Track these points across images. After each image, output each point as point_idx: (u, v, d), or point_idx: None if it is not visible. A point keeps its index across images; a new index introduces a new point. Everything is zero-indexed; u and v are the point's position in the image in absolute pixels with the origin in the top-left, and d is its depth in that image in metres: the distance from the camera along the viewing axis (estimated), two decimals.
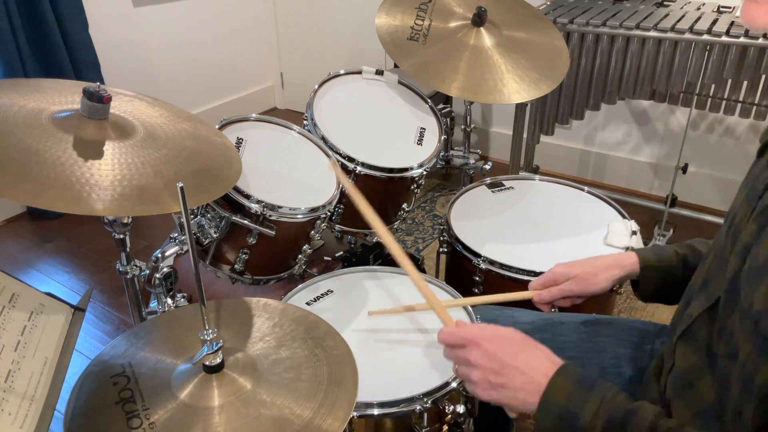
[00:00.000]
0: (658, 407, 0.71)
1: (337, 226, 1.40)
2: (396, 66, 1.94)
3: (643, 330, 1.05)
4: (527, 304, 1.19)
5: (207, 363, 0.76)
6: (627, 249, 1.32)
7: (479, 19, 1.50)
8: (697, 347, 0.76)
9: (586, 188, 1.55)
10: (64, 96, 1.00)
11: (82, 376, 0.80)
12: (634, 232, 1.36)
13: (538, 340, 1.08)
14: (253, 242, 1.17)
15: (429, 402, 0.94)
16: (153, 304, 1.20)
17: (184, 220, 0.72)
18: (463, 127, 1.79)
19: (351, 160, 1.32)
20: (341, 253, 1.49)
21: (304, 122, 1.38)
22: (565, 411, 0.71)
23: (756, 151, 0.82)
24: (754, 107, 1.97)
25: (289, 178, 1.26)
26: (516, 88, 1.45)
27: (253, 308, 0.92)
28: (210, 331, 0.75)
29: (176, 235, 1.19)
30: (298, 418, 0.72)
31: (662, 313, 1.98)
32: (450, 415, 0.99)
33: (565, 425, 0.71)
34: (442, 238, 1.43)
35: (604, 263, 1.05)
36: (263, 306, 0.92)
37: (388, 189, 1.40)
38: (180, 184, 0.67)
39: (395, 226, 1.49)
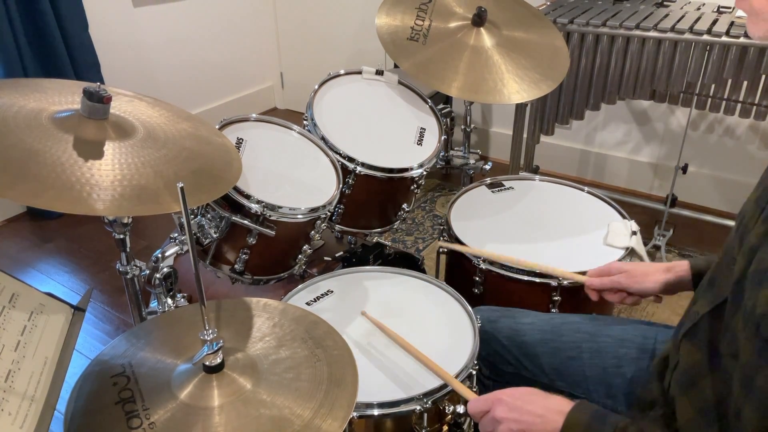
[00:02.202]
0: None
1: (337, 226, 1.40)
2: (396, 66, 1.94)
3: (644, 330, 1.05)
4: (527, 303, 1.19)
5: (207, 363, 0.76)
6: (627, 249, 1.32)
7: (479, 19, 1.50)
8: (702, 345, 0.76)
9: (586, 188, 1.55)
10: (64, 96, 1.00)
11: (82, 376, 0.80)
12: (634, 232, 1.36)
13: (540, 341, 1.08)
14: (253, 242, 1.17)
15: (429, 402, 0.94)
16: (153, 304, 1.20)
17: (184, 220, 0.72)
18: (463, 127, 1.79)
19: (351, 160, 1.32)
20: (341, 253, 1.49)
21: (304, 122, 1.38)
22: None
23: (758, 151, 0.82)
24: (754, 107, 1.97)
25: (289, 178, 1.26)
26: (516, 88, 1.45)
27: (253, 308, 0.92)
28: (210, 331, 0.75)
29: (176, 235, 1.19)
30: (298, 418, 0.72)
31: (662, 313, 1.98)
32: (450, 416, 0.99)
33: None
34: (442, 238, 1.43)
35: (658, 266, 1.06)
36: (263, 306, 0.92)
37: (388, 189, 1.40)
38: (180, 184, 0.67)
39: (395, 226, 1.49)
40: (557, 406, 0.81)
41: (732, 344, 0.69)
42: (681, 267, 1.04)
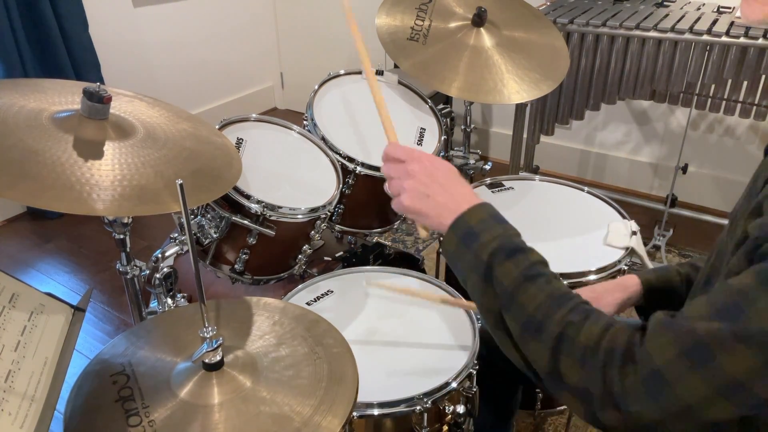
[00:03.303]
0: (543, 257, 0.76)
1: (337, 226, 1.40)
2: (396, 66, 1.94)
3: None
4: None
5: (206, 361, 0.76)
6: (627, 249, 1.32)
7: (479, 19, 1.50)
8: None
9: (586, 188, 1.55)
10: (64, 96, 1.00)
11: (81, 375, 0.80)
12: (634, 232, 1.36)
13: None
14: (253, 242, 1.17)
15: (429, 402, 0.94)
16: (153, 304, 1.20)
17: (184, 219, 0.72)
18: (463, 127, 1.79)
19: (351, 160, 1.32)
20: (341, 253, 1.49)
21: (304, 122, 1.38)
22: (471, 231, 0.78)
23: (758, 151, 0.82)
24: (754, 107, 1.97)
25: (289, 178, 1.26)
26: (516, 89, 1.45)
27: (253, 307, 0.92)
28: (209, 328, 0.75)
29: (176, 235, 1.19)
30: (298, 415, 0.72)
31: None
32: (450, 416, 0.99)
33: (465, 243, 0.77)
34: (442, 238, 1.43)
35: (605, 287, 1.04)
36: (263, 305, 0.93)
37: None
38: (179, 181, 0.67)
39: (395, 226, 1.49)
40: (468, 196, 0.81)
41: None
42: (631, 283, 1.03)
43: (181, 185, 0.67)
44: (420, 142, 1.46)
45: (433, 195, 0.82)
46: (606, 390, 0.63)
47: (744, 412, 0.60)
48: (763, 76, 1.84)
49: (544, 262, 0.76)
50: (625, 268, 1.31)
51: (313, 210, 1.19)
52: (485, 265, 0.75)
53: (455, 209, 0.80)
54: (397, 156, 0.86)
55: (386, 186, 0.88)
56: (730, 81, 1.93)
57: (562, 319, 0.68)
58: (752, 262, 0.62)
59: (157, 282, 1.13)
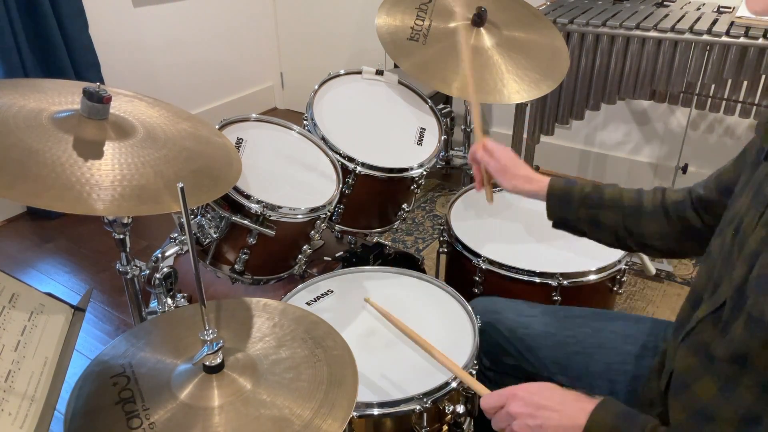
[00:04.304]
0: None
1: (337, 226, 1.40)
2: (396, 66, 1.94)
3: (648, 326, 1.05)
4: (531, 296, 1.19)
5: (207, 363, 0.76)
6: None
7: (479, 19, 1.50)
8: (697, 349, 0.76)
9: None
10: (64, 96, 1.00)
11: (82, 377, 0.80)
12: None
13: (543, 334, 1.07)
14: (253, 242, 1.17)
15: (429, 402, 0.94)
16: (153, 304, 1.20)
17: (184, 220, 0.72)
18: (463, 127, 1.79)
19: (351, 160, 1.32)
20: (341, 253, 1.49)
21: (304, 122, 1.38)
22: None
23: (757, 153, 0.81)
24: (754, 107, 1.97)
25: (289, 178, 1.26)
26: (516, 88, 1.45)
27: (253, 308, 0.92)
28: (210, 331, 0.75)
29: (176, 235, 1.19)
30: (298, 418, 0.72)
31: (662, 313, 1.98)
32: (450, 415, 0.99)
33: None
34: (442, 238, 1.43)
35: (525, 173, 1.11)
36: (263, 306, 0.92)
37: (388, 189, 1.40)
38: (180, 185, 0.67)
39: (395, 226, 1.49)
40: (576, 401, 0.78)
41: (729, 349, 0.69)
42: (541, 182, 1.08)
43: (182, 188, 0.67)
44: (420, 141, 1.46)
45: (543, 422, 0.78)
46: None
47: None
48: (763, 76, 1.84)
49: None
50: (625, 268, 1.32)
51: (313, 210, 1.19)
52: None
53: (575, 424, 0.75)
54: (495, 405, 0.84)
55: None
56: (730, 81, 1.93)
57: None
58: None
59: (157, 282, 1.13)
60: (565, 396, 0.80)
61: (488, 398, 0.85)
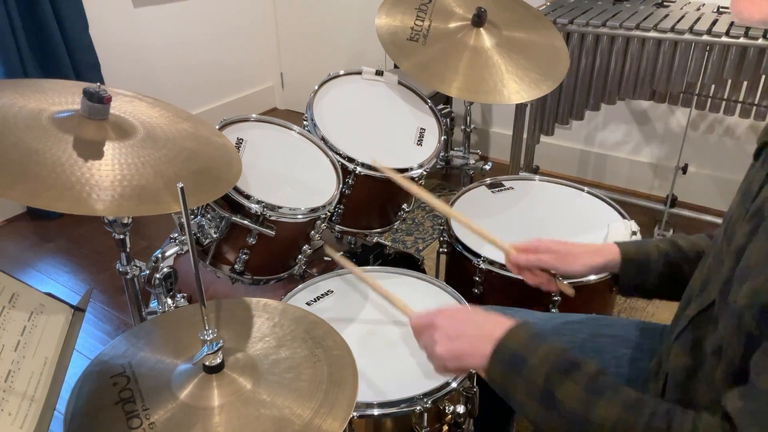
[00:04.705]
0: (599, 367, 0.73)
1: (337, 226, 1.40)
2: (396, 66, 1.94)
3: (645, 330, 1.05)
4: (527, 303, 1.19)
5: (207, 363, 0.76)
6: None
7: (479, 19, 1.50)
8: (689, 348, 0.76)
9: (586, 188, 1.55)
10: (64, 96, 1.00)
11: (82, 376, 0.80)
12: (634, 233, 1.36)
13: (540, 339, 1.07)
14: (253, 242, 1.17)
15: (429, 402, 0.94)
16: (153, 304, 1.20)
17: (184, 220, 0.72)
18: (463, 127, 1.79)
19: (351, 160, 1.32)
20: (341, 253, 1.49)
21: (304, 122, 1.38)
22: (516, 356, 0.75)
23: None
24: (754, 107, 1.97)
25: (289, 178, 1.26)
26: (516, 89, 1.45)
27: (253, 308, 0.92)
28: (210, 331, 0.75)
29: (176, 235, 1.19)
30: (298, 418, 0.72)
31: (662, 314, 1.98)
32: (450, 416, 0.99)
33: (513, 370, 0.74)
34: (442, 238, 1.43)
35: (587, 249, 1.04)
36: (263, 306, 0.92)
37: (388, 189, 1.40)
38: (180, 185, 0.67)
39: (395, 226, 1.49)
40: (498, 322, 0.80)
41: (717, 343, 0.69)
42: (610, 251, 1.02)
43: (182, 188, 0.67)
44: (420, 142, 1.46)
45: (462, 333, 0.81)
46: None
47: None
48: (763, 76, 1.84)
49: (602, 371, 0.73)
50: None
51: (313, 210, 1.19)
52: (543, 390, 0.72)
53: (490, 336, 0.78)
54: (421, 324, 0.87)
55: (433, 363, 0.86)
56: (730, 81, 1.93)
57: (646, 427, 0.66)
58: None
59: (157, 282, 1.13)
60: (487, 314, 0.83)
61: (417, 319, 0.88)
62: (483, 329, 0.79)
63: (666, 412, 0.66)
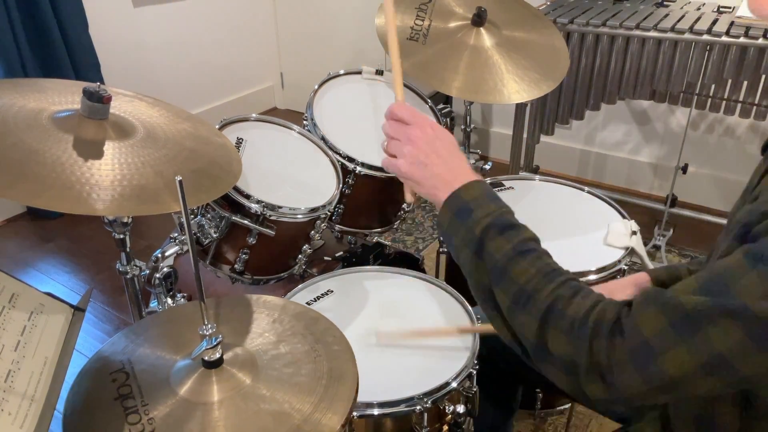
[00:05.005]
0: (535, 235, 0.77)
1: (337, 226, 1.40)
2: None
3: None
4: None
5: (206, 358, 0.76)
6: (627, 249, 1.32)
7: (479, 19, 1.50)
8: None
9: (586, 188, 1.55)
10: (64, 96, 1.00)
11: (80, 373, 0.79)
12: (634, 232, 1.36)
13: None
14: (253, 242, 1.17)
15: (429, 402, 0.94)
16: (153, 304, 1.20)
17: (184, 219, 0.72)
18: (463, 127, 1.79)
19: (351, 160, 1.32)
20: (341, 253, 1.49)
21: (304, 122, 1.38)
22: (465, 206, 0.79)
23: (758, 151, 0.82)
24: (754, 107, 1.97)
25: (289, 178, 1.26)
26: (516, 88, 1.45)
27: (253, 305, 0.92)
28: (209, 326, 0.75)
29: (176, 235, 1.19)
30: (298, 412, 0.72)
31: None
32: (450, 415, 0.99)
33: (459, 218, 0.79)
34: (442, 238, 1.43)
35: (619, 284, 1.04)
36: (263, 302, 0.93)
37: (388, 189, 1.40)
38: (178, 178, 0.67)
39: (395, 226, 1.49)
40: (465, 171, 0.82)
41: None
42: (642, 280, 1.02)
43: (180, 182, 0.67)
44: None
45: (430, 165, 0.82)
46: (592, 361, 0.64)
47: (727, 388, 0.61)
48: (763, 76, 1.85)
49: (536, 239, 0.77)
50: (625, 268, 1.31)
51: (313, 210, 1.19)
52: (477, 240, 0.76)
53: (451, 183, 0.80)
54: (402, 116, 0.86)
55: (383, 143, 0.88)
56: (730, 81, 1.93)
57: (551, 292, 0.69)
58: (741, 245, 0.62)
59: (157, 282, 1.13)
60: (460, 158, 0.84)
61: (400, 107, 0.87)
62: (449, 172, 0.82)
63: (576, 285, 0.70)
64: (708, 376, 0.59)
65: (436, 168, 0.82)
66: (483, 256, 0.75)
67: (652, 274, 1.03)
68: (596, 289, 1.01)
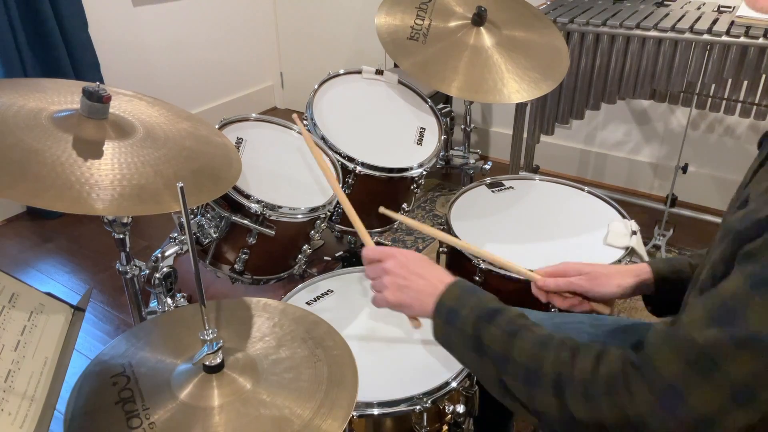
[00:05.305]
0: (520, 310, 0.79)
1: (337, 226, 1.40)
2: (396, 66, 1.94)
3: (646, 330, 1.04)
4: (527, 302, 1.19)
5: (207, 363, 0.76)
6: (627, 249, 1.32)
7: (479, 18, 1.50)
8: None
9: (586, 188, 1.55)
10: (63, 96, 1.00)
11: (82, 376, 0.79)
12: (634, 232, 1.36)
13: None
14: (253, 242, 1.17)
15: (429, 402, 0.94)
16: (153, 304, 1.20)
17: (184, 220, 0.71)
18: (463, 126, 1.79)
19: (351, 160, 1.32)
20: (341, 253, 1.49)
21: (304, 122, 1.38)
22: (451, 310, 0.81)
23: (757, 151, 0.82)
24: (754, 107, 1.97)
25: (289, 178, 1.26)
26: (516, 88, 1.45)
27: (253, 308, 0.92)
28: (210, 331, 0.75)
29: (176, 235, 1.19)
30: (298, 417, 0.72)
31: None
32: (450, 415, 0.99)
33: (450, 322, 0.81)
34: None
35: (619, 269, 1.02)
36: (263, 306, 0.92)
37: (388, 189, 1.40)
38: (180, 184, 0.67)
39: (395, 226, 1.49)
40: (442, 277, 0.86)
41: None
42: (642, 271, 1.00)
43: (181, 188, 0.67)
44: (420, 141, 1.46)
45: (410, 284, 0.87)
46: (620, 416, 0.63)
47: (758, 417, 0.60)
48: (764, 76, 1.84)
49: (521, 315, 0.78)
50: None
51: (313, 210, 1.19)
52: (473, 337, 0.77)
53: (433, 294, 0.84)
54: (373, 257, 0.93)
55: (370, 286, 0.94)
56: (730, 80, 1.93)
57: (554, 360, 0.70)
58: (735, 255, 0.62)
59: (156, 282, 1.13)
60: (434, 269, 0.89)
61: (370, 250, 0.94)
62: (429, 284, 0.86)
63: (571, 344, 0.70)
64: (740, 408, 0.58)
65: (416, 284, 0.86)
66: (484, 351, 0.76)
67: (653, 267, 1.01)
68: (596, 268, 1.03)
